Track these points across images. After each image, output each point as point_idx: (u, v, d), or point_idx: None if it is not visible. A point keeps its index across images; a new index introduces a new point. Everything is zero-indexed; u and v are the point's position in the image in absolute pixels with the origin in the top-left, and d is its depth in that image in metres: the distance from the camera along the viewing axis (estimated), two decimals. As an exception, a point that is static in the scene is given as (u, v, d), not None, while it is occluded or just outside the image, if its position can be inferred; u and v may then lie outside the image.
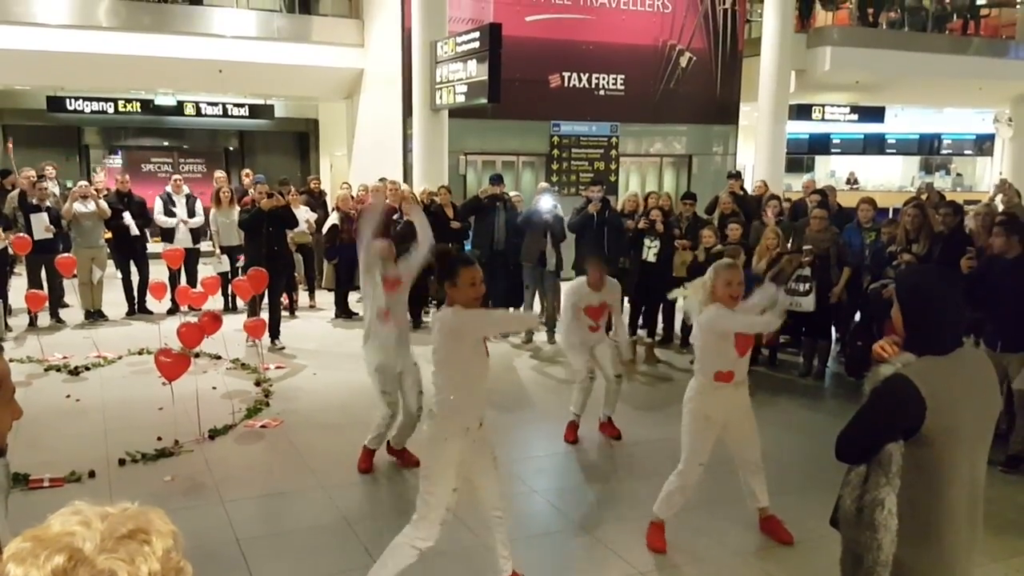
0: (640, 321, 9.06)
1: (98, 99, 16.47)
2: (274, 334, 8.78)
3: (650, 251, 8.64)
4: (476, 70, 11.57)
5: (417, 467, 5.78)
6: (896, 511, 2.30)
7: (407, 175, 13.39)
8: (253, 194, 9.26)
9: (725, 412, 4.38)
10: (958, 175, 23.79)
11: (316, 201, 11.99)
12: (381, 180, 10.74)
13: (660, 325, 9.29)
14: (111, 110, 16.71)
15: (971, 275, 6.03)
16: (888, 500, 2.30)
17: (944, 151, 24.08)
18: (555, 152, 15.24)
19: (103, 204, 9.76)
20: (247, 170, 13.29)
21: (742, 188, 10.70)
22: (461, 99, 12.06)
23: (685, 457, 4.36)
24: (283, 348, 8.75)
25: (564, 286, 7.31)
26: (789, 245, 8.18)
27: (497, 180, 9.89)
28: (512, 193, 10.39)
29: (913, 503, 2.31)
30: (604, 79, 15.25)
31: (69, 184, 14.26)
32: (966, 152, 24.25)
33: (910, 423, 2.27)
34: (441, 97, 12.53)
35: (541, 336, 9.29)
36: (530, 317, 8.03)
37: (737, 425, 4.46)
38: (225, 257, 10.28)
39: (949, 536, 2.32)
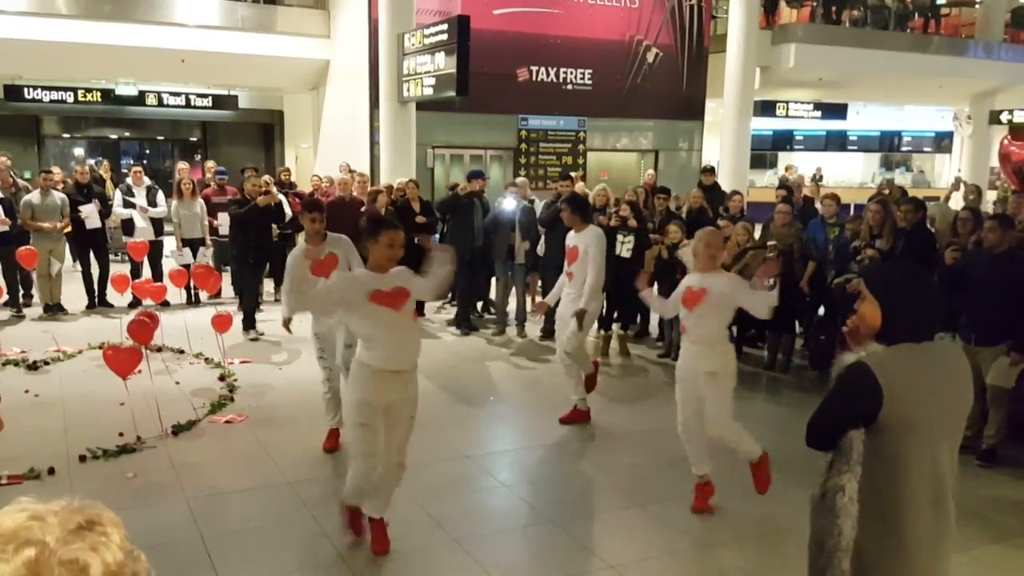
0: (615, 315, 9.07)
1: (57, 88, 16.14)
2: (251, 324, 8.91)
3: (624, 247, 8.64)
4: (444, 63, 11.50)
5: None
6: (857, 498, 2.35)
7: (374, 168, 13.31)
8: (247, 187, 9.21)
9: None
10: (920, 172, 24.18)
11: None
12: (348, 170, 10.63)
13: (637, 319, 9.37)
14: (71, 99, 16.38)
15: (953, 268, 6.11)
16: (849, 486, 2.35)
17: (904, 148, 24.50)
18: (523, 146, 15.24)
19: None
20: (211, 162, 13.10)
21: (714, 184, 10.77)
22: (429, 92, 11.98)
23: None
24: (263, 334, 8.81)
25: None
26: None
27: (478, 175, 9.69)
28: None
29: (873, 490, 2.35)
30: (572, 73, 15.29)
31: (27, 175, 13.94)
32: (925, 149, 24.69)
33: (867, 410, 2.32)
34: (408, 90, 12.45)
35: (513, 330, 9.28)
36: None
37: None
38: (187, 250, 10.10)
39: (910, 525, 2.35)
